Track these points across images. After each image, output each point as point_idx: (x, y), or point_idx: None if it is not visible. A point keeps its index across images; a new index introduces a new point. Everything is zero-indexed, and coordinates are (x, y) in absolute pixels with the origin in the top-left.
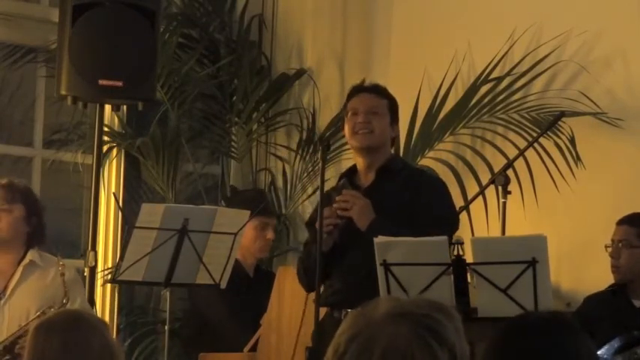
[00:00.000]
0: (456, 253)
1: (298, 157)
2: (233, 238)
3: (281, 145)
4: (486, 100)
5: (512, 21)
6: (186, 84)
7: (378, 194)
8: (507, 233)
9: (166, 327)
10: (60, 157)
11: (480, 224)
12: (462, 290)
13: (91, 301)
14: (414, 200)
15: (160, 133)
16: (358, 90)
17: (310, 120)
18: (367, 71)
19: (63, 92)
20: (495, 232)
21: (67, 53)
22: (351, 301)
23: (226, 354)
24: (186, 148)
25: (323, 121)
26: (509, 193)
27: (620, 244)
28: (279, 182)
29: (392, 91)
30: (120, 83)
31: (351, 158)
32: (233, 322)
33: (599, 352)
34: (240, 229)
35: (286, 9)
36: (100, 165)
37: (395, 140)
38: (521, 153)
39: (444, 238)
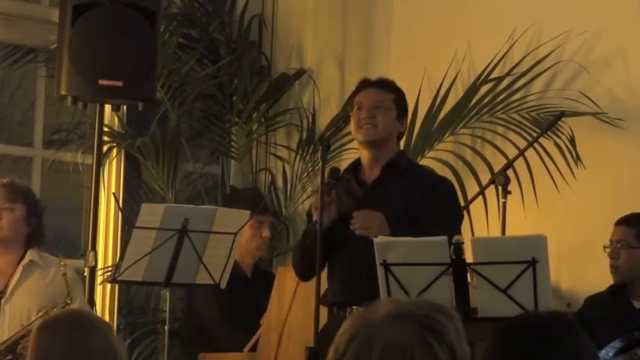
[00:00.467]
0: (455, 254)
1: (298, 157)
2: (233, 238)
3: (281, 145)
4: (486, 100)
5: (512, 21)
6: (186, 84)
7: (381, 191)
8: (507, 233)
9: (166, 327)
10: (60, 157)
11: (480, 224)
12: (462, 290)
13: (91, 301)
14: (422, 202)
15: (160, 133)
16: (365, 84)
17: (310, 120)
18: (367, 71)
19: (63, 92)
20: (495, 232)
21: (67, 53)
22: (354, 300)
23: (226, 354)
24: (186, 148)
25: (323, 121)
26: (509, 193)
27: (618, 245)
28: (279, 182)
29: None
30: (120, 83)
31: (351, 158)
32: (231, 323)
33: (600, 353)
34: (240, 229)
35: (286, 9)
36: (100, 165)
37: (403, 135)
38: (521, 153)
39: (444, 238)
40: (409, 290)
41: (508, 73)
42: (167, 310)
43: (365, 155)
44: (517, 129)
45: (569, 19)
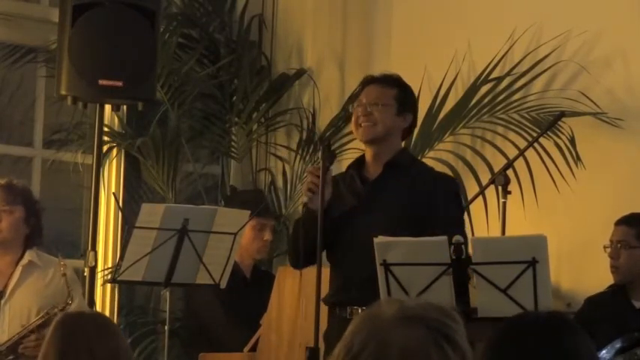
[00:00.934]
0: (455, 254)
1: (298, 157)
2: (233, 238)
3: (281, 145)
4: (486, 100)
5: (512, 21)
6: (186, 84)
7: (383, 188)
8: (507, 233)
9: (166, 327)
10: (60, 157)
11: (480, 224)
12: (462, 290)
13: (91, 301)
14: (428, 201)
15: (160, 133)
16: (367, 81)
17: (310, 120)
18: (367, 71)
19: (63, 92)
20: (495, 232)
21: (67, 53)
22: (355, 300)
23: (226, 354)
24: (186, 148)
25: (323, 121)
26: (509, 193)
27: (618, 245)
28: (279, 182)
29: None
30: (120, 83)
31: (351, 158)
32: (230, 323)
33: (600, 354)
34: (240, 229)
35: (286, 9)
36: (100, 165)
37: (408, 131)
38: (521, 153)
39: (444, 238)
40: (409, 290)
41: (508, 73)
42: (167, 310)
43: (367, 152)
44: (517, 129)
45: (569, 19)
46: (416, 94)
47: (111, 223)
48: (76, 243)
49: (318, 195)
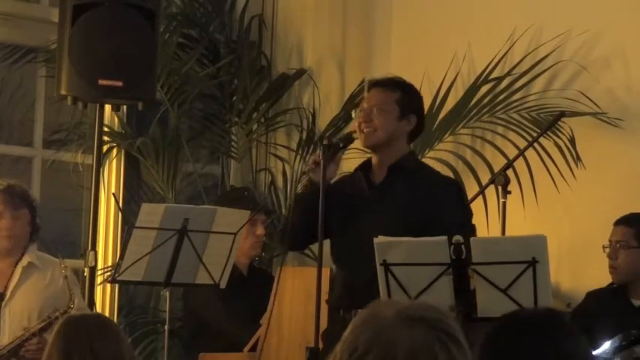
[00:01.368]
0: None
1: (298, 157)
2: (233, 238)
3: (281, 145)
4: (486, 100)
5: (512, 21)
6: (186, 84)
7: (389, 191)
8: (507, 233)
9: (166, 327)
10: (60, 157)
11: (480, 224)
12: (462, 290)
13: (91, 301)
14: (431, 204)
15: (160, 133)
16: (370, 85)
17: (310, 120)
18: (367, 71)
19: (63, 92)
20: (495, 232)
21: (66, 53)
22: (358, 302)
23: (226, 354)
24: (186, 148)
25: (323, 121)
26: (509, 193)
27: (617, 245)
28: (279, 182)
29: None
30: (120, 83)
31: (351, 158)
32: (228, 322)
33: (598, 351)
34: (240, 229)
35: (286, 9)
36: (100, 165)
37: (414, 133)
38: (521, 153)
39: (444, 238)
40: (409, 290)
41: (508, 73)
42: (167, 310)
43: (373, 156)
44: (517, 129)
45: (569, 19)
46: None
47: (111, 223)
48: (76, 243)
49: (321, 169)
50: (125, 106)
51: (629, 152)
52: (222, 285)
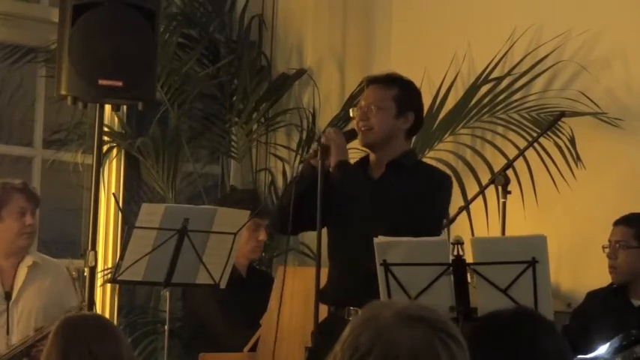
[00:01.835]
0: (455, 253)
1: (298, 157)
2: (233, 238)
3: (281, 145)
4: (486, 100)
5: (512, 21)
6: (186, 84)
7: (386, 186)
8: (507, 233)
9: (166, 327)
10: (60, 157)
11: (480, 224)
12: (462, 290)
13: (91, 301)
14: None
15: (160, 133)
16: (368, 82)
17: (310, 120)
18: (367, 71)
19: (63, 92)
20: (495, 232)
21: (66, 53)
22: (353, 300)
23: (226, 354)
24: (186, 148)
25: (323, 121)
26: (509, 193)
27: (617, 245)
28: (279, 182)
29: None
30: (120, 83)
31: (352, 158)
32: (227, 322)
33: (598, 352)
34: (240, 229)
35: (286, 9)
36: (100, 165)
37: (412, 130)
38: (521, 153)
39: (444, 238)
40: (409, 290)
41: (508, 73)
42: (167, 310)
43: (370, 154)
44: (517, 129)
45: (569, 19)
46: None
47: (111, 223)
48: (76, 243)
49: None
50: (125, 106)
51: (629, 152)
52: (223, 285)
